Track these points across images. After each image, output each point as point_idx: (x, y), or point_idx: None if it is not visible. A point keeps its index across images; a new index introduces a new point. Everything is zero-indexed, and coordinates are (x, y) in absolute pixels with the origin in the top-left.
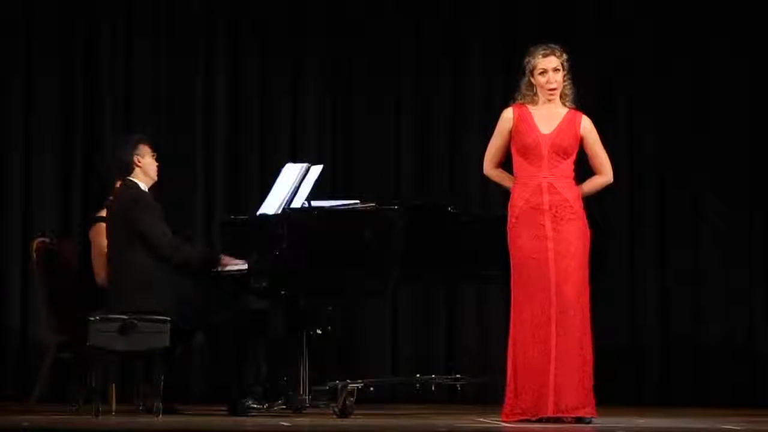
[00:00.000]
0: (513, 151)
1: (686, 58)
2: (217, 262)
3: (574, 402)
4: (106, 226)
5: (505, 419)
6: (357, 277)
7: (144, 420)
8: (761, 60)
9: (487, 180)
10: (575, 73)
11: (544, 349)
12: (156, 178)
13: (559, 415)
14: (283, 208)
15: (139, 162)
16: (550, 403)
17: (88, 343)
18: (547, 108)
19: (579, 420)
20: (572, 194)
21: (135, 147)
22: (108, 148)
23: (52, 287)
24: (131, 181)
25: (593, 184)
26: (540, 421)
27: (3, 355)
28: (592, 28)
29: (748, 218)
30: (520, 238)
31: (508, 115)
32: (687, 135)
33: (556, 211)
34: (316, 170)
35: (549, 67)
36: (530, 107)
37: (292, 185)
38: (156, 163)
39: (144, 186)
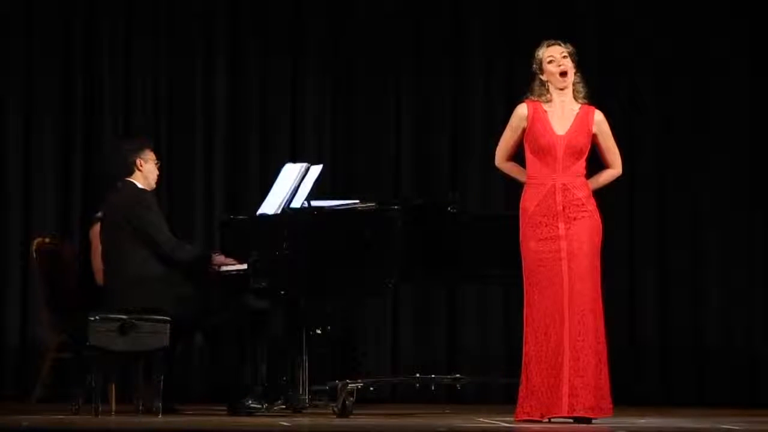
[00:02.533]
0: (526, 149)
1: (686, 59)
2: (206, 260)
3: (591, 403)
4: (101, 224)
5: (516, 418)
6: (357, 277)
7: (144, 420)
8: (761, 60)
9: (487, 180)
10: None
11: (558, 349)
12: (154, 186)
13: (574, 415)
14: (283, 208)
15: (141, 165)
16: (564, 403)
17: (88, 343)
18: (561, 105)
19: (577, 420)
20: (584, 192)
21: (140, 150)
22: (109, 147)
23: (52, 287)
24: (131, 181)
25: (605, 177)
26: (547, 421)
27: (3, 355)
28: (592, 28)
29: (748, 218)
30: (532, 240)
31: (522, 111)
32: (687, 135)
33: (569, 212)
34: (316, 170)
35: (556, 54)
36: (544, 105)
37: (291, 185)
38: (157, 172)
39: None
